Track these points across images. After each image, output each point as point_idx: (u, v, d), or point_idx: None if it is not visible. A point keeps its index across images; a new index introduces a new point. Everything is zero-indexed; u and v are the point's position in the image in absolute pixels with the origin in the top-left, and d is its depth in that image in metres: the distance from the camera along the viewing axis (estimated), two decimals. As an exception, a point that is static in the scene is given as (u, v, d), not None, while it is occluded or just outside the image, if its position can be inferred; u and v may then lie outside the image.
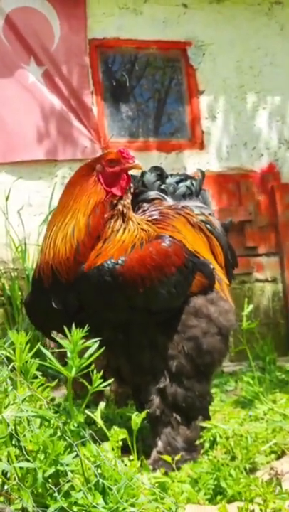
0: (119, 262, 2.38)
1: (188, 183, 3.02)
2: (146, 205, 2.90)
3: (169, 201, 2.93)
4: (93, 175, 2.49)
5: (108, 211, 2.46)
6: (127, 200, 2.52)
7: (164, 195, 2.95)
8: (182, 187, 2.98)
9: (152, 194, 2.94)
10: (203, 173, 3.13)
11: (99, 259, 2.39)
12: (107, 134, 5.44)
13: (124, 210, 2.49)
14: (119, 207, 2.48)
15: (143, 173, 3.00)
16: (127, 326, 2.51)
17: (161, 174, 3.00)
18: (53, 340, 2.15)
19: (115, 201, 2.49)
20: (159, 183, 2.97)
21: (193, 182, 3.04)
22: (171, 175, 3.04)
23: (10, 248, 5.01)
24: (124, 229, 2.46)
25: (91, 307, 2.42)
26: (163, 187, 2.97)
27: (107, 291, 2.38)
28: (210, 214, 3.00)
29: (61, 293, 2.44)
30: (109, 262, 2.37)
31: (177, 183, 2.99)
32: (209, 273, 2.66)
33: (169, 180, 2.99)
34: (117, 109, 5.58)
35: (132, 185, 2.76)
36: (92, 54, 5.43)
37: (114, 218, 2.47)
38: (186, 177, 3.07)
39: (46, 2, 5.24)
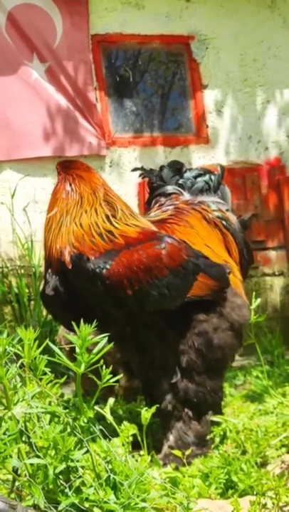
0: (107, 266, 2.36)
1: (206, 177, 2.95)
2: (163, 200, 2.88)
3: (186, 196, 2.90)
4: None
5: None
6: None
7: (181, 189, 2.92)
8: (200, 182, 2.93)
9: (170, 189, 2.91)
10: (222, 167, 3.06)
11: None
12: (111, 129, 5.43)
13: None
14: None
15: (162, 168, 2.97)
16: (132, 320, 2.49)
17: (179, 168, 2.96)
18: (71, 330, 2.16)
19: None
20: (177, 177, 2.94)
21: (212, 177, 2.97)
22: (190, 169, 3.00)
23: (16, 245, 5.01)
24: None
25: (85, 299, 2.43)
26: (181, 181, 2.93)
27: (97, 292, 2.38)
28: (227, 210, 2.94)
29: (53, 279, 2.46)
30: (96, 266, 2.37)
31: (195, 177, 2.94)
32: (219, 275, 2.58)
33: (187, 175, 2.94)
34: (121, 104, 5.56)
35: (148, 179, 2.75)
36: (95, 50, 5.41)
37: None
38: (205, 171, 3.00)
39: (48, -2, 5.24)
